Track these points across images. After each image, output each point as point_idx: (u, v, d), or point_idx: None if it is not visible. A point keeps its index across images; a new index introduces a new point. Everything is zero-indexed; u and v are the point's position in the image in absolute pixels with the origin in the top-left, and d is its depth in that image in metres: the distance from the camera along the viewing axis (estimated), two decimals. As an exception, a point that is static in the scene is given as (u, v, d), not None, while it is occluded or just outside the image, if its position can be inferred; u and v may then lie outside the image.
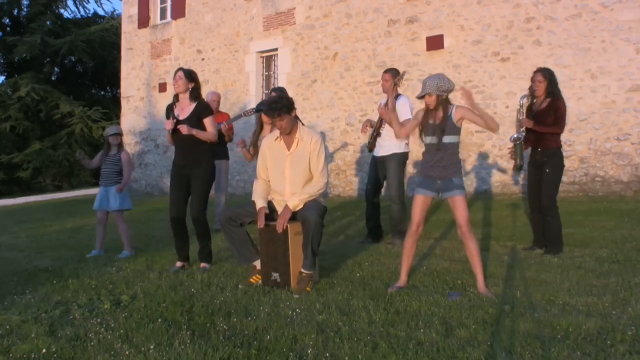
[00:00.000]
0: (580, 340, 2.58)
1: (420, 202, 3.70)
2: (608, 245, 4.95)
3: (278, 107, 3.89)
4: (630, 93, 8.58)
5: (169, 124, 4.62)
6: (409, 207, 3.70)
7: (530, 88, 4.90)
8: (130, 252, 5.65)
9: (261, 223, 3.84)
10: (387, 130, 5.56)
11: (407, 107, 5.50)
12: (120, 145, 5.88)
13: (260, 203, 3.94)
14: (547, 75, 4.82)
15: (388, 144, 5.58)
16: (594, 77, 8.83)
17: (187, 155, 4.65)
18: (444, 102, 3.59)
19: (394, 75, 5.54)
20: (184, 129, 4.52)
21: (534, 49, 9.29)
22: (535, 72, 4.90)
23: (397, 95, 5.52)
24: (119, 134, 5.90)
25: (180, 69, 4.73)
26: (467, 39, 9.97)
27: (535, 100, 4.91)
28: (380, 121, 5.61)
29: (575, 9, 8.95)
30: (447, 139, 3.58)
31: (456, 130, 3.61)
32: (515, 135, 4.85)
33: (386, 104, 5.50)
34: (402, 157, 5.63)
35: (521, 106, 4.93)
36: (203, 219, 4.66)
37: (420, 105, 3.87)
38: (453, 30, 10.13)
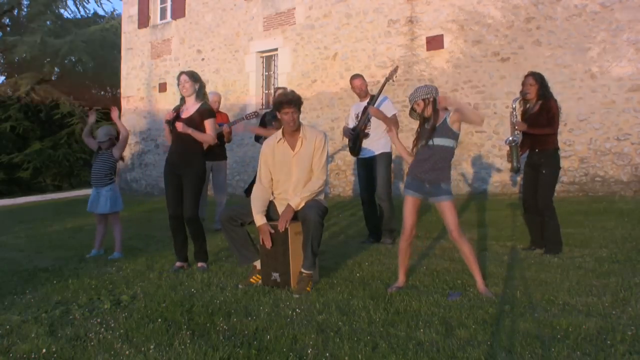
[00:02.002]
0: (580, 340, 2.58)
1: (410, 204, 3.72)
2: (608, 245, 4.95)
3: (293, 97, 3.93)
4: (630, 93, 8.58)
5: (168, 115, 4.66)
6: (397, 206, 3.74)
7: (522, 92, 4.93)
8: (120, 254, 5.64)
9: (268, 243, 3.83)
10: (374, 130, 5.62)
11: (391, 104, 5.75)
12: (112, 144, 5.82)
13: (259, 219, 3.89)
14: (538, 78, 4.89)
15: (377, 144, 5.64)
16: (594, 77, 8.83)
17: (180, 154, 4.68)
18: (433, 104, 3.63)
19: (364, 78, 5.90)
20: (179, 126, 4.55)
21: (534, 49, 9.29)
22: (526, 76, 4.96)
23: (373, 97, 5.69)
24: (105, 141, 5.75)
25: (183, 73, 4.75)
26: (467, 39, 9.97)
27: (528, 105, 4.95)
28: (365, 124, 5.66)
29: (575, 9, 8.95)
30: (438, 140, 3.58)
31: (451, 134, 3.60)
32: (511, 138, 4.86)
33: (370, 104, 5.57)
34: (390, 156, 5.76)
35: (514, 109, 4.95)
36: (196, 219, 4.67)
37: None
38: (453, 30, 10.13)
